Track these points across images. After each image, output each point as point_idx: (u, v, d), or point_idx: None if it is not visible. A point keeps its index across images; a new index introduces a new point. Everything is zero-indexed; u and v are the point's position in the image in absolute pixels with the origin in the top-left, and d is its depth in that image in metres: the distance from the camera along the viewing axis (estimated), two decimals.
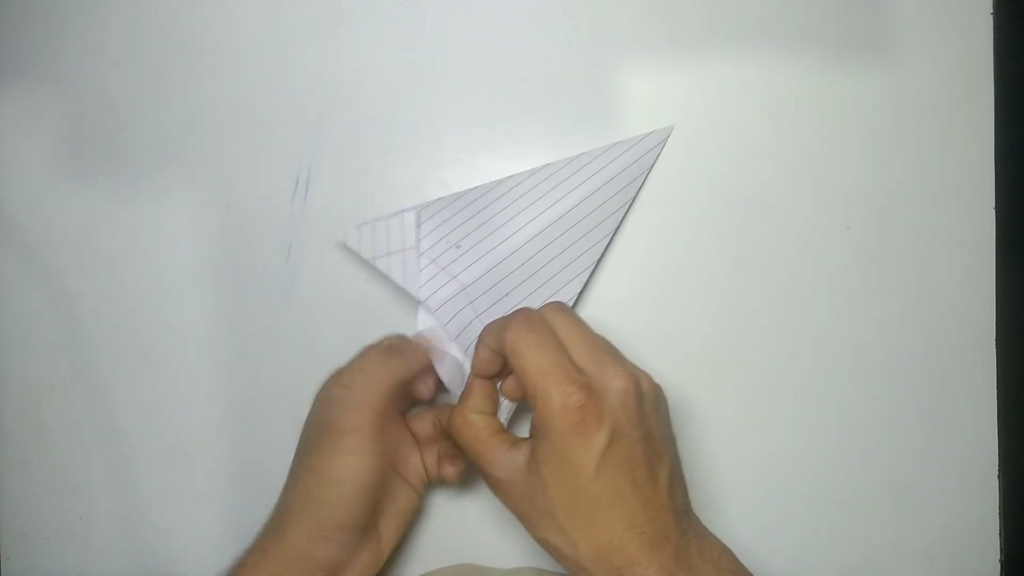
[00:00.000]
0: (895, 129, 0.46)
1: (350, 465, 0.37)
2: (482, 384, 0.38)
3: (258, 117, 0.46)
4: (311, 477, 0.37)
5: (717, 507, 0.45)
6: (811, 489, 0.45)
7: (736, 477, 0.45)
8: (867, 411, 0.46)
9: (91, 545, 0.46)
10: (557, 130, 0.46)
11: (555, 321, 0.36)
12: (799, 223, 0.46)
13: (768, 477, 0.45)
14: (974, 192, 0.46)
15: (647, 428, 0.35)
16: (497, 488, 0.36)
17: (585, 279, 0.44)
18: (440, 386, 0.41)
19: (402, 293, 0.45)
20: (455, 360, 0.42)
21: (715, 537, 0.36)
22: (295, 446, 0.41)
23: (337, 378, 0.39)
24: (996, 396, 0.45)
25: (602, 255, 0.44)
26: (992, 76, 0.46)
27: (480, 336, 0.38)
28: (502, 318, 0.37)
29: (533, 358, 0.35)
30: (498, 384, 0.39)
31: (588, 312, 0.45)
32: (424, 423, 0.42)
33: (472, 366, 0.38)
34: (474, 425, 0.37)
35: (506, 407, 0.39)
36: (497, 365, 0.38)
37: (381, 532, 0.39)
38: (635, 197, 0.45)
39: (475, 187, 0.45)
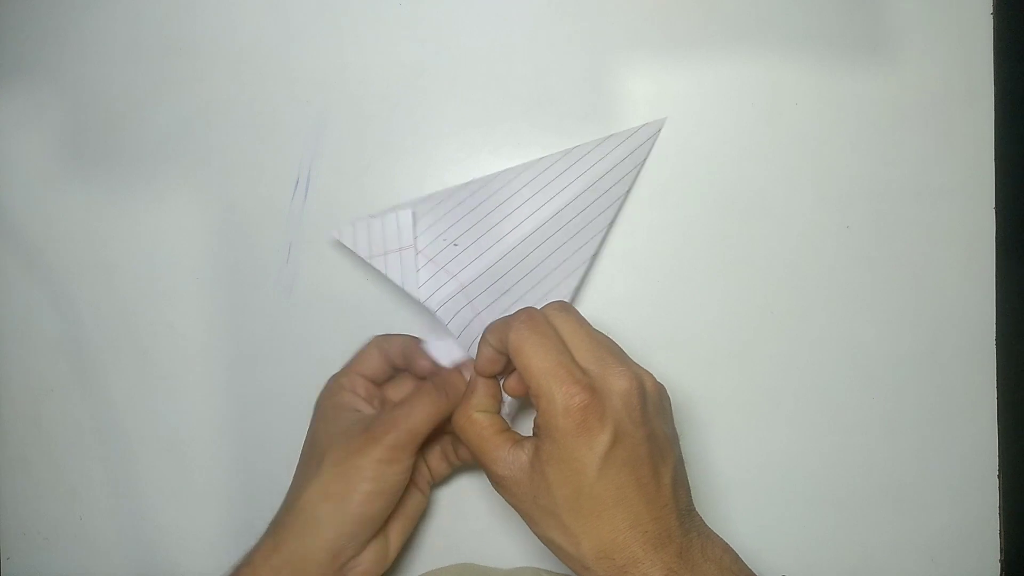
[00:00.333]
0: (895, 129, 0.46)
1: (389, 465, 0.37)
2: (485, 382, 0.38)
3: (258, 117, 0.46)
4: (335, 471, 0.38)
5: (717, 507, 0.45)
6: (811, 489, 0.45)
7: (736, 477, 0.45)
8: (867, 411, 0.46)
9: (91, 545, 0.46)
10: (557, 130, 0.46)
11: (558, 320, 0.36)
12: (799, 223, 0.46)
13: (768, 477, 0.45)
14: (974, 192, 0.46)
15: (650, 428, 0.35)
16: (501, 486, 0.36)
17: (582, 274, 0.44)
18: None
19: (402, 292, 0.45)
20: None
21: (718, 537, 0.36)
22: (295, 446, 0.41)
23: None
24: (996, 396, 0.45)
25: (598, 250, 0.44)
26: (992, 76, 0.46)
27: (483, 335, 0.38)
28: (505, 317, 0.37)
29: (536, 358, 0.35)
30: (500, 381, 0.39)
31: (586, 311, 0.45)
32: None
33: (475, 365, 0.38)
34: (478, 423, 0.37)
35: (508, 404, 0.39)
36: (500, 364, 0.38)
37: (389, 533, 0.40)
38: (629, 191, 0.45)
39: (469, 182, 0.45)
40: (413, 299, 0.43)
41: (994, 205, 0.46)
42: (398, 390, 0.42)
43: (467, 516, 0.45)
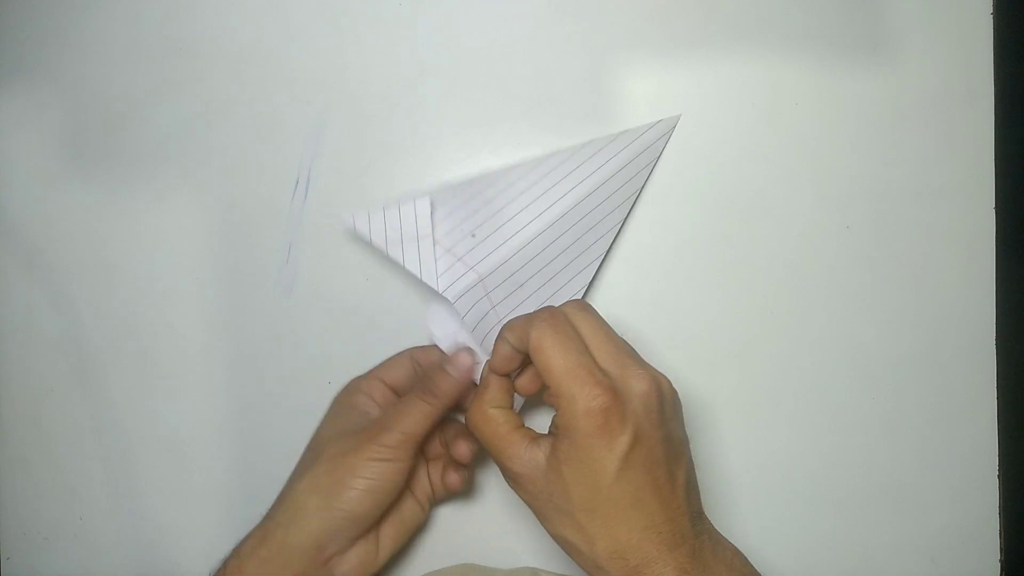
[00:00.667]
0: (895, 129, 0.46)
1: (381, 465, 0.38)
2: (499, 379, 0.38)
3: (258, 117, 0.46)
4: (328, 465, 0.38)
5: (717, 507, 0.45)
6: (811, 489, 0.45)
7: (736, 477, 0.45)
8: (867, 411, 0.46)
9: (91, 545, 0.46)
10: (557, 130, 0.46)
11: (578, 320, 0.36)
12: (799, 223, 0.46)
13: (768, 477, 0.45)
14: (974, 192, 0.46)
15: (667, 430, 0.35)
16: (515, 482, 0.36)
17: (595, 269, 0.44)
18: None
19: (402, 292, 0.45)
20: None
21: (727, 539, 0.36)
22: (295, 446, 0.41)
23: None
24: (996, 396, 0.45)
25: (610, 246, 0.44)
26: (992, 76, 0.46)
27: (501, 332, 0.37)
28: (525, 315, 0.37)
29: (558, 357, 0.35)
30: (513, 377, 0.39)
31: None
32: (431, 440, 0.42)
33: (490, 362, 0.38)
34: (493, 419, 0.37)
35: (516, 401, 0.39)
36: (516, 362, 0.37)
37: (380, 537, 0.40)
38: (643, 187, 0.45)
39: (486, 173, 0.44)
40: (415, 296, 0.43)
41: (994, 205, 0.46)
42: None
43: (470, 517, 0.45)
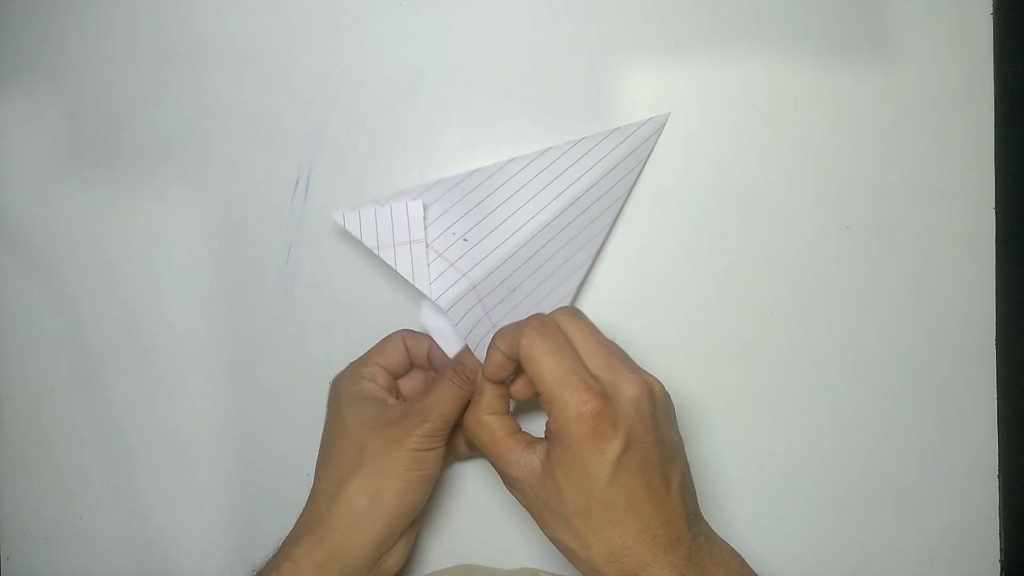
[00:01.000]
0: (895, 129, 0.46)
1: (426, 454, 0.38)
2: (493, 385, 0.38)
3: (258, 117, 0.46)
4: (374, 464, 0.38)
5: (717, 507, 0.45)
6: (811, 489, 0.45)
7: (735, 477, 0.45)
8: (867, 411, 0.46)
9: (91, 545, 0.46)
10: (557, 130, 0.46)
11: (569, 327, 0.37)
12: (799, 223, 0.46)
13: (768, 477, 0.45)
14: (974, 192, 0.46)
15: (660, 433, 0.35)
16: (513, 487, 0.37)
17: (586, 271, 0.44)
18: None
19: (402, 292, 0.45)
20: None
21: (724, 541, 0.36)
22: (295, 446, 0.41)
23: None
24: (996, 396, 0.45)
25: (601, 246, 0.44)
26: (992, 76, 0.46)
27: (493, 340, 0.38)
28: (516, 324, 0.37)
29: (548, 364, 0.35)
30: (508, 383, 0.39)
31: (584, 312, 0.45)
32: None
33: (484, 370, 0.38)
34: (489, 426, 0.37)
35: (512, 404, 0.40)
36: (509, 370, 0.38)
37: (415, 522, 0.41)
38: (633, 186, 0.45)
39: (476, 171, 0.44)
40: (414, 296, 0.43)
41: (994, 205, 0.46)
42: (409, 384, 0.43)
43: (468, 517, 0.45)
